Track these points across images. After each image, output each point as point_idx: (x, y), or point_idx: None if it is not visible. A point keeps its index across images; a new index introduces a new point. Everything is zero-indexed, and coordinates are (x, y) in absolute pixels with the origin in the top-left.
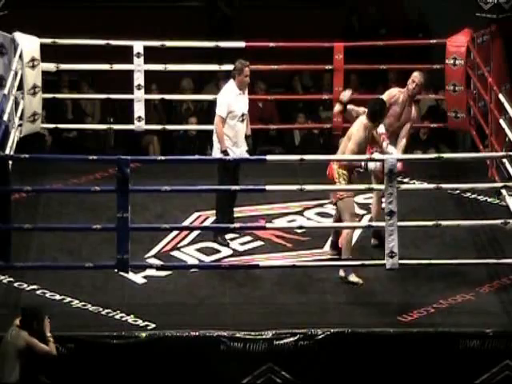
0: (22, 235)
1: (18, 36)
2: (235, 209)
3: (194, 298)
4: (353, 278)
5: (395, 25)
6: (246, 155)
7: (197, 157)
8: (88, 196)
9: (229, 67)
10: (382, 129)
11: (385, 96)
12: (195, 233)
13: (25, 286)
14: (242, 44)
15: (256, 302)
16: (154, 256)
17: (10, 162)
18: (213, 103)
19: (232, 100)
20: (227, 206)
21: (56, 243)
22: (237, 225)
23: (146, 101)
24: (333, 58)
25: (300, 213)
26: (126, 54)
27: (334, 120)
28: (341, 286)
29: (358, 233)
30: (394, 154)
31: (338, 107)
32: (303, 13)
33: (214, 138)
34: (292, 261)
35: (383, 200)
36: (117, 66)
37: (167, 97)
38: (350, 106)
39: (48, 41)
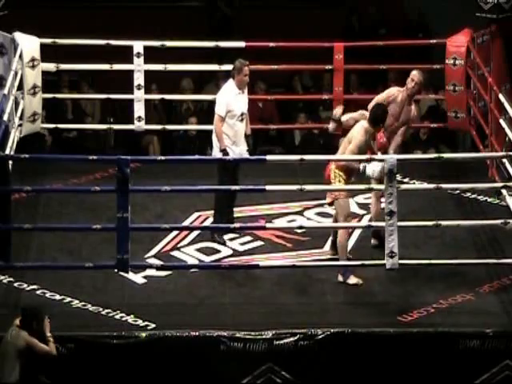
0: (22, 235)
1: (18, 36)
2: (235, 209)
3: (193, 298)
4: (352, 280)
5: (395, 25)
6: (246, 154)
7: (197, 157)
8: (88, 196)
9: (229, 67)
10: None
11: (383, 95)
12: (195, 233)
13: (25, 286)
14: (242, 44)
15: (256, 302)
16: (154, 256)
17: (10, 162)
18: (213, 103)
19: (231, 99)
20: (225, 205)
21: (56, 243)
22: (237, 225)
23: (146, 101)
24: (333, 58)
25: (300, 213)
26: (126, 54)
27: None
28: (341, 286)
29: (357, 233)
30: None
31: (332, 125)
32: (303, 13)
33: (214, 137)
34: (292, 261)
35: (383, 200)
36: (117, 66)
37: (167, 97)
38: (344, 118)
39: (48, 41)
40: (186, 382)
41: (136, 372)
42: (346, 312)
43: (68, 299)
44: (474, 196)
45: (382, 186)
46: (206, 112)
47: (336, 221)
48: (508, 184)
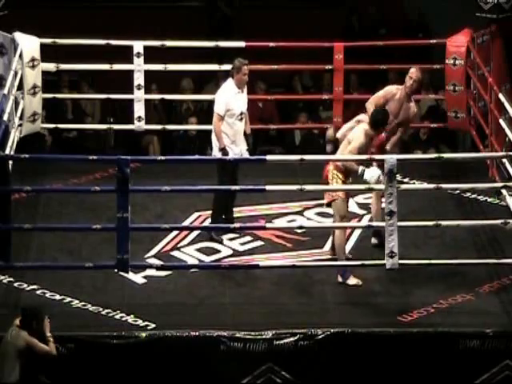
0: (22, 235)
1: (18, 36)
2: (235, 209)
3: (194, 298)
4: (351, 281)
5: (395, 25)
6: (247, 154)
7: (197, 157)
8: (88, 196)
9: (229, 67)
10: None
11: (382, 92)
12: (195, 233)
13: (25, 286)
14: (242, 44)
15: (256, 302)
16: (154, 256)
17: (10, 162)
18: (213, 103)
19: (230, 98)
20: (224, 205)
21: (56, 243)
22: (237, 225)
23: (146, 101)
24: (333, 58)
25: (300, 213)
26: (126, 54)
27: (334, 120)
28: (341, 286)
29: (357, 233)
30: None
31: (329, 147)
32: (303, 13)
33: (213, 136)
34: (292, 261)
35: (383, 200)
36: (117, 66)
37: (167, 97)
38: (340, 132)
39: (48, 41)
40: (185, 382)
41: (136, 372)
42: (346, 312)
43: (68, 299)
44: (474, 196)
45: (382, 186)
46: (206, 112)
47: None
48: (508, 184)
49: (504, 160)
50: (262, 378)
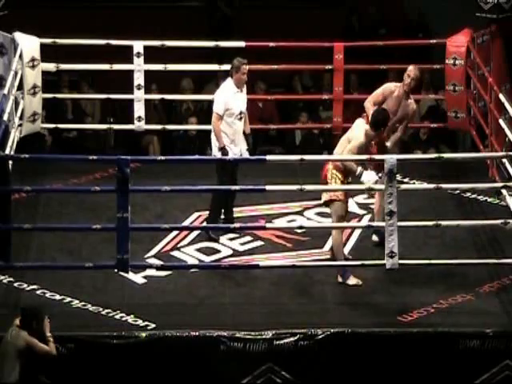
0: (22, 235)
1: (18, 36)
2: (235, 209)
3: (194, 298)
4: (351, 281)
5: (395, 25)
6: (246, 154)
7: (197, 157)
8: (88, 196)
9: (229, 67)
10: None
11: (380, 89)
12: (195, 233)
13: (25, 286)
14: (242, 44)
15: (256, 302)
16: (154, 256)
17: (10, 162)
18: (213, 103)
19: (229, 98)
20: (221, 205)
21: (56, 243)
22: (237, 225)
23: (146, 101)
24: (333, 58)
25: (300, 213)
26: (126, 54)
27: (334, 120)
28: (341, 286)
29: (357, 233)
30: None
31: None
32: (303, 13)
33: (212, 136)
34: (292, 261)
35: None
36: (117, 66)
37: (167, 97)
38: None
39: (48, 41)
40: (185, 382)
41: (136, 372)
42: (346, 312)
43: (68, 299)
44: (474, 196)
45: (381, 186)
46: (206, 112)
47: None
48: (508, 184)
49: (504, 160)
50: (262, 378)
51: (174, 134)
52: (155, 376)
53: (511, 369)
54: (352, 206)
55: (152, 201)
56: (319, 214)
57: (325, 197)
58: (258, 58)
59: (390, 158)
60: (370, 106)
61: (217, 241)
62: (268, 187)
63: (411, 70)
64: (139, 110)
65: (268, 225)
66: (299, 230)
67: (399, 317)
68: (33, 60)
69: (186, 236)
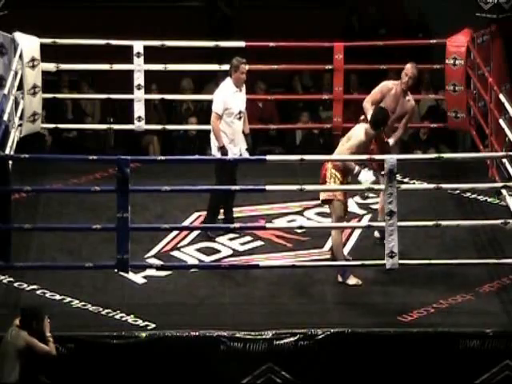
0: (22, 235)
1: (18, 36)
2: (235, 209)
3: (194, 298)
4: (351, 281)
5: (395, 25)
6: (246, 154)
7: (197, 157)
8: (88, 196)
9: (229, 67)
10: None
11: (378, 88)
12: (195, 233)
13: (25, 286)
14: (242, 44)
15: (256, 302)
16: (154, 256)
17: (10, 162)
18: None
19: (228, 97)
20: (220, 205)
21: (56, 243)
22: (237, 225)
23: (146, 101)
24: (333, 57)
25: (300, 213)
26: (126, 54)
27: (334, 120)
28: (341, 286)
29: (357, 233)
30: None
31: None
32: (303, 13)
33: (212, 135)
34: (292, 261)
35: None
36: (117, 66)
37: (167, 97)
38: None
39: (48, 41)
40: (185, 382)
41: (136, 372)
42: (346, 312)
43: (68, 299)
44: (474, 196)
45: (381, 187)
46: (205, 112)
47: None
48: (508, 184)
49: (504, 160)
50: (262, 378)
51: (173, 134)
52: (155, 376)
53: (511, 369)
54: (352, 206)
55: (152, 201)
56: (319, 214)
57: (322, 195)
58: (258, 57)
59: (390, 158)
60: (369, 107)
61: (213, 239)
62: (268, 187)
63: (409, 68)
64: (139, 110)
65: (268, 225)
66: (299, 230)
67: (399, 317)
68: (33, 60)
69: (185, 236)
